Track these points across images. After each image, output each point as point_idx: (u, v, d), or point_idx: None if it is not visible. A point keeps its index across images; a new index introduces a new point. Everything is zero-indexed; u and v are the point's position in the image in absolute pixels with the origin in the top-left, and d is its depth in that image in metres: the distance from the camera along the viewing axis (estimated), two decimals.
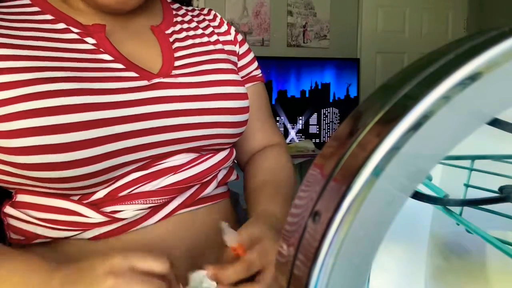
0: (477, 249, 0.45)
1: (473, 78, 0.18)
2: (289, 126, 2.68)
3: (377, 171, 0.18)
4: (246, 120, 0.61)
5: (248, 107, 0.61)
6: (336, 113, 2.74)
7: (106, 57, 0.51)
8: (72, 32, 0.52)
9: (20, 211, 0.50)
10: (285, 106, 2.66)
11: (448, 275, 0.49)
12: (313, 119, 2.72)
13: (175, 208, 0.52)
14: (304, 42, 3.03)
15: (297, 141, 2.69)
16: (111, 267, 0.39)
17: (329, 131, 2.75)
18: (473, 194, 0.38)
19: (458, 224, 0.36)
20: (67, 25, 0.52)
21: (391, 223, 0.20)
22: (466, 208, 0.38)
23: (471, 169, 0.40)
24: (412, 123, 0.18)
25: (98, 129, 0.46)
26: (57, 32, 0.51)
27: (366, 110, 0.22)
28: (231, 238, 0.46)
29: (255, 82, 0.69)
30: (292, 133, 2.70)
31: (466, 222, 0.34)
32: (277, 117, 2.65)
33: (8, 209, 0.51)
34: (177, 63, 0.56)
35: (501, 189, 0.35)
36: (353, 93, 2.77)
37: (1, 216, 0.53)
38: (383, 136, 0.18)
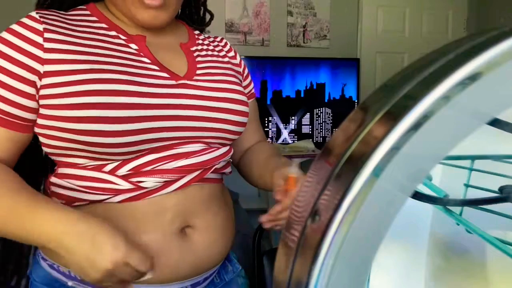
0: (477, 249, 0.45)
1: (473, 78, 0.18)
2: (281, 126, 2.69)
3: (377, 171, 0.18)
4: (246, 122, 0.77)
5: (248, 112, 0.78)
6: (329, 113, 2.74)
7: (145, 59, 0.68)
8: (120, 38, 0.69)
9: (63, 180, 0.66)
10: (279, 106, 2.67)
11: (448, 275, 0.49)
12: (306, 119, 2.72)
13: (184, 184, 0.68)
14: (304, 42, 3.03)
15: (290, 142, 2.69)
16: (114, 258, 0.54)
17: (322, 131, 2.75)
18: (473, 194, 0.38)
19: (458, 224, 0.36)
20: (117, 32, 0.70)
21: (391, 223, 0.20)
22: (466, 208, 0.38)
23: (471, 169, 0.40)
24: (412, 123, 0.18)
25: (135, 110, 0.63)
26: (109, 37, 0.69)
27: (366, 110, 0.22)
28: (292, 170, 0.65)
29: (252, 99, 0.90)
30: (285, 133, 2.71)
31: (466, 222, 0.34)
32: (271, 117, 2.67)
33: (53, 179, 0.67)
34: (198, 72, 0.74)
35: (501, 189, 0.34)
36: (348, 93, 2.77)
37: (45, 186, 0.70)
38: (383, 136, 0.18)
